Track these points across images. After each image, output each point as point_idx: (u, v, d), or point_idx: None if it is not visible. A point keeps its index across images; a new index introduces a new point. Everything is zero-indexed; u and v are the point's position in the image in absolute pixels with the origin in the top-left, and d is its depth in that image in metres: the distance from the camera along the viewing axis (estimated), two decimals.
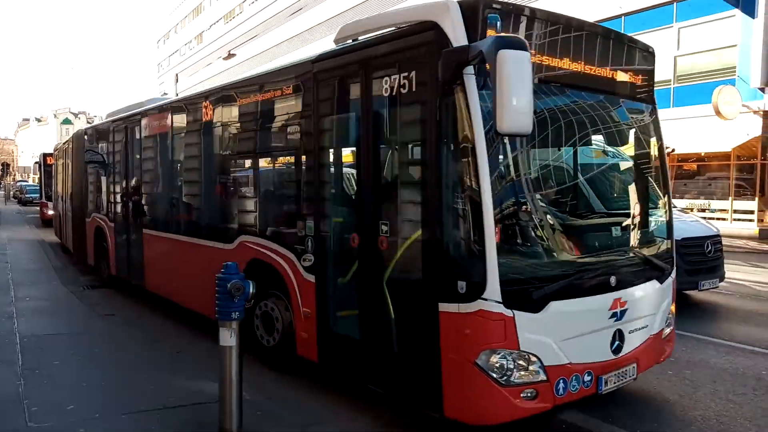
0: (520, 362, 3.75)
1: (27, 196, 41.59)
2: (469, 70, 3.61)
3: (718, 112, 16.32)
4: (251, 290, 3.99)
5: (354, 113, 4.73)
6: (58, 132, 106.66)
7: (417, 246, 4.03)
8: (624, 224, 4.99)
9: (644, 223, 5.21)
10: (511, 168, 4.03)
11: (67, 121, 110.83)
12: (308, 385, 5.36)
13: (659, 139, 5.32)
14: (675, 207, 10.41)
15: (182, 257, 7.45)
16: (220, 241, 6.44)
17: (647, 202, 5.35)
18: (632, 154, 5.39)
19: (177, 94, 41.29)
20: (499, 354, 3.69)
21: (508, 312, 3.65)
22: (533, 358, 3.78)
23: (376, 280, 4.29)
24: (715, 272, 9.18)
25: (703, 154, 18.39)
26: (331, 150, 5.03)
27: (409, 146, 4.41)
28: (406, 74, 4.03)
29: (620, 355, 4.34)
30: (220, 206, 6.95)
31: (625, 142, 5.41)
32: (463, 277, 3.70)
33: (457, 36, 3.67)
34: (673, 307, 5.18)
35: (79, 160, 11.63)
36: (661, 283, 4.90)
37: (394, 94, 4.14)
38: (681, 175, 19.66)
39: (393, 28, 4.28)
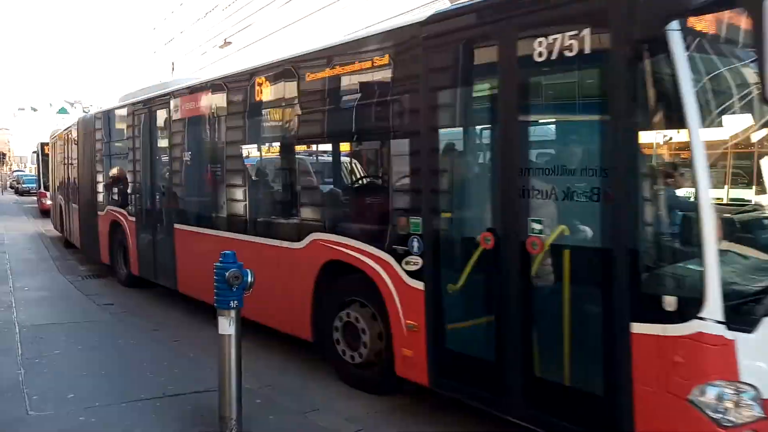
0: (740, 396, 2.86)
1: (24, 186, 41.45)
2: (676, 25, 2.82)
3: None
4: (250, 279, 3.99)
5: (487, 84, 3.94)
6: (53, 121, 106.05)
7: (592, 250, 3.33)
8: None
9: None
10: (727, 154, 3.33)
11: (63, 111, 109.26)
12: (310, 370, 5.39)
13: None
14: None
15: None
16: (284, 239, 5.53)
17: None
18: None
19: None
20: (716, 388, 2.84)
21: (729, 335, 2.81)
22: (749, 390, 2.86)
23: (523, 290, 3.52)
24: None
25: None
26: (449, 130, 4.21)
27: (578, 123, 3.71)
28: (574, 32, 3.18)
29: None
30: (283, 198, 5.98)
31: None
32: (672, 290, 2.93)
33: None
34: None
35: (89, 148, 10.55)
36: None
37: (553, 58, 3.29)
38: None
39: None
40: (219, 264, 3.93)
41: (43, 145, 21.37)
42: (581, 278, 3.38)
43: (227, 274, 3.84)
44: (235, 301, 3.90)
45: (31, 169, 79.58)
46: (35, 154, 22.06)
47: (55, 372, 5.24)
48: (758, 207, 3.64)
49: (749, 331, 2.87)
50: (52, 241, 14.86)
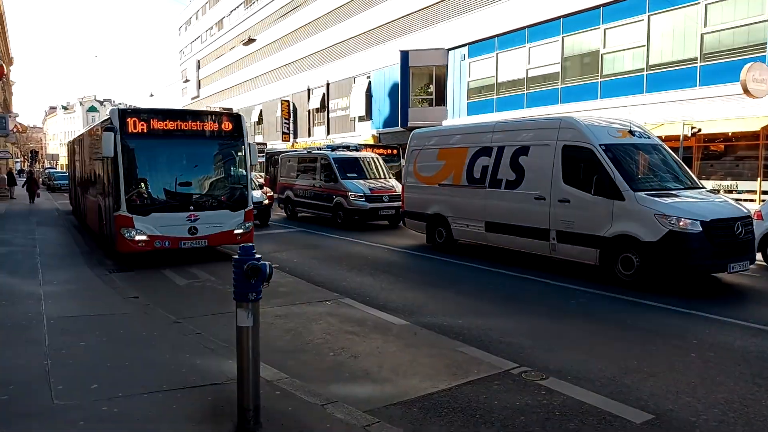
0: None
1: (55, 182, 42.41)
2: None
3: (746, 91, 15.86)
4: (268, 272, 4.00)
5: None
6: (84, 119, 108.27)
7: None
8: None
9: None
10: None
11: (92, 109, 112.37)
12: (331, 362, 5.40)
13: None
14: (703, 188, 10.25)
15: None
16: None
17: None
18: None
19: (199, 80, 41.46)
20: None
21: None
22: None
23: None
24: (745, 254, 8.96)
25: (730, 134, 17.91)
26: None
27: None
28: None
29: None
30: None
31: None
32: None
33: None
34: None
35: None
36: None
37: None
38: (707, 156, 19.23)
39: None
40: (237, 257, 3.95)
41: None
42: None
43: (246, 266, 3.86)
44: (254, 294, 3.92)
45: (62, 166, 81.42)
46: (68, 149, 22.28)
47: (80, 363, 5.34)
48: None
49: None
50: (82, 236, 15.16)
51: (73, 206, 21.14)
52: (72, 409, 4.29)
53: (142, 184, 10.82)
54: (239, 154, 11.64)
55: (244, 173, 11.71)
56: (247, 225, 11.50)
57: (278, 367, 5.16)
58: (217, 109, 11.99)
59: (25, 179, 32.56)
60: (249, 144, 11.70)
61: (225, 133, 11.52)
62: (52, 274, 9.68)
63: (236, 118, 11.75)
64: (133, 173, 10.69)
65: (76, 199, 19.49)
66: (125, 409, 4.31)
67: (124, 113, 10.78)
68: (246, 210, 11.50)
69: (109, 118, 11.12)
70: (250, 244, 4.45)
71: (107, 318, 7.02)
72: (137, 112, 10.98)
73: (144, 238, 10.52)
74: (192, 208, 10.90)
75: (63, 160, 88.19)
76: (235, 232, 11.33)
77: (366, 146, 22.05)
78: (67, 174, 30.76)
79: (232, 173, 11.78)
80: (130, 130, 10.62)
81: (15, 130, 34.71)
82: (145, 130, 10.75)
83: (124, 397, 4.52)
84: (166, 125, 10.94)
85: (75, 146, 19.15)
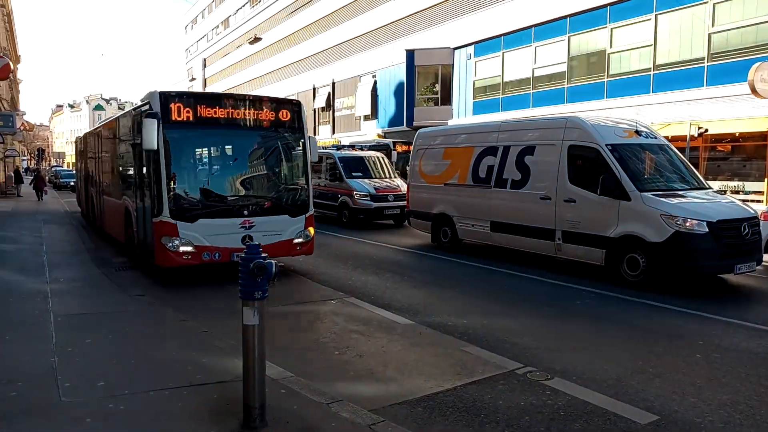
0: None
1: (61, 180, 42.61)
2: None
3: (754, 91, 15.76)
4: (274, 271, 4.01)
5: None
6: (90, 118, 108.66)
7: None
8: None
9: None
10: None
11: (99, 107, 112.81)
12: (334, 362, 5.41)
13: None
14: (710, 188, 10.21)
15: None
16: None
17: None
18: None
19: (205, 79, 41.57)
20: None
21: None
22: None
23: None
24: (751, 255, 8.92)
25: (737, 134, 17.82)
26: None
27: None
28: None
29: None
30: None
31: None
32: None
33: None
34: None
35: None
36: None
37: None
38: (714, 156, 19.14)
39: None
40: (244, 255, 3.96)
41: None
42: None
43: (252, 265, 3.87)
44: (260, 292, 3.93)
45: (68, 164, 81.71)
46: (76, 146, 21.11)
47: (87, 360, 5.37)
48: None
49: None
50: (88, 234, 15.22)
51: (84, 209, 18.96)
52: (78, 406, 4.31)
53: (188, 183, 9.16)
54: (299, 148, 9.98)
55: (305, 171, 10.03)
56: (307, 233, 9.79)
57: (284, 366, 5.17)
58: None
59: (32, 177, 32.71)
60: (309, 137, 10.10)
61: (283, 123, 9.79)
62: (58, 271, 9.73)
63: (296, 107, 10.05)
64: (178, 171, 8.95)
65: (88, 200, 17.30)
66: (131, 406, 4.33)
67: (167, 97, 8.93)
68: (307, 215, 9.82)
69: (146, 103, 9.29)
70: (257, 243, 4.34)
71: (114, 315, 7.05)
72: (182, 96, 9.20)
73: (190, 249, 8.77)
74: (246, 212, 9.15)
75: (69, 159, 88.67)
76: (295, 241, 9.61)
77: (353, 146, 21.61)
78: (73, 172, 30.53)
79: (292, 171, 10.15)
80: (173, 118, 8.81)
81: (22, 128, 34.88)
82: (191, 118, 8.94)
83: (131, 394, 4.54)
84: (215, 112, 9.17)
85: (87, 141, 17.44)
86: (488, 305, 8.06)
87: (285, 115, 9.78)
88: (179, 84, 74.62)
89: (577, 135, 10.10)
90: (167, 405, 4.37)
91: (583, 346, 6.23)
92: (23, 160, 71.16)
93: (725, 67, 17.66)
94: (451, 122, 27.13)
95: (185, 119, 8.90)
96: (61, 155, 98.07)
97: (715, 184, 16.49)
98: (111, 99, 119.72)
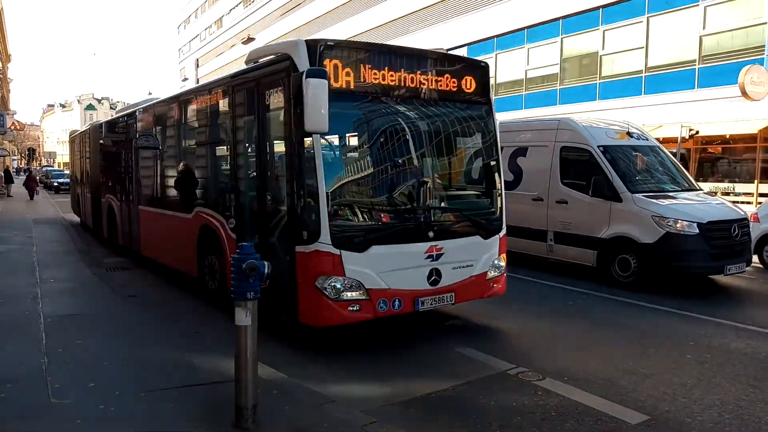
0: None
1: (52, 180, 42.17)
2: None
3: (744, 93, 15.92)
4: (266, 271, 4.00)
5: None
6: (82, 118, 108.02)
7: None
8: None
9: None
10: None
11: (90, 107, 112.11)
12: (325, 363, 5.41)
13: None
14: (700, 190, 10.28)
15: None
16: None
17: None
18: None
19: (197, 79, 41.58)
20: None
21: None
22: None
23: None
24: (741, 256, 9.00)
25: (728, 136, 17.97)
26: None
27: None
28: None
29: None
30: None
31: None
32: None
33: None
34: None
35: None
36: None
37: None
38: (705, 158, 19.28)
39: None
40: (236, 256, 3.95)
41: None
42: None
43: (244, 265, 3.86)
44: (252, 293, 3.92)
45: (59, 164, 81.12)
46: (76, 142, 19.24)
47: (78, 361, 5.32)
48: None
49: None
50: (78, 234, 15.12)
51: (87, 219, 15.54)
52: (69, 408, 4.28)
53: (354, 189, 5.86)
54: (489, 134, 6.74)
55: (497, 168, 6.86)
56: (500, 263, 6.73)
57: (276, 367, 5.17)
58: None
59: (24, 177, 32.50)
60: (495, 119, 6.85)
61: (468, 96, 6.45)
62: (49, 272, 9.66)
63: (485, 71, 6.71)
64: (338, 169, 5.86)
65: (96, 211, 13.90)
66: (123, 407, 4.30)
67: (326, 47, 5.42)
68: (500, 236, 6.73)
69: (281, 58, 5.74)
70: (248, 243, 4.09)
71: (105, 316, 7.01)
72: (342, 48, 5.62)
73: (359, 296, 5.52)
74: (432, 234, 5.90)
75: (60, 159, 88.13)
76: (489, 276, 6.54)
77: None
78: (68, 173, 29.51)
79: (484, 169, 6.93)
80: (332, 85, 5.30)
81: (12, 127, 34.67)
82: (358, 86, 5.61)
83: (122, 395, 4.51)
84: (392, 77, 5.80)
85: (92, 137, 14.17)
86: (479, 306, 8.06)
87: (469, 83, 6.47)
88: (171, 84, 74.19)
89: (569, 136, 10.14)
90: (159, 406, 4.35)
91: (575, 346, 6.26)
92: (14, 159, 70.69)
93: (716, 70, 17.80)
94: None
95: (348, 87, 5.58)
96: (52, 155, 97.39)
97: (706, 186, 16.61)
98: (103, 98, 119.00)
